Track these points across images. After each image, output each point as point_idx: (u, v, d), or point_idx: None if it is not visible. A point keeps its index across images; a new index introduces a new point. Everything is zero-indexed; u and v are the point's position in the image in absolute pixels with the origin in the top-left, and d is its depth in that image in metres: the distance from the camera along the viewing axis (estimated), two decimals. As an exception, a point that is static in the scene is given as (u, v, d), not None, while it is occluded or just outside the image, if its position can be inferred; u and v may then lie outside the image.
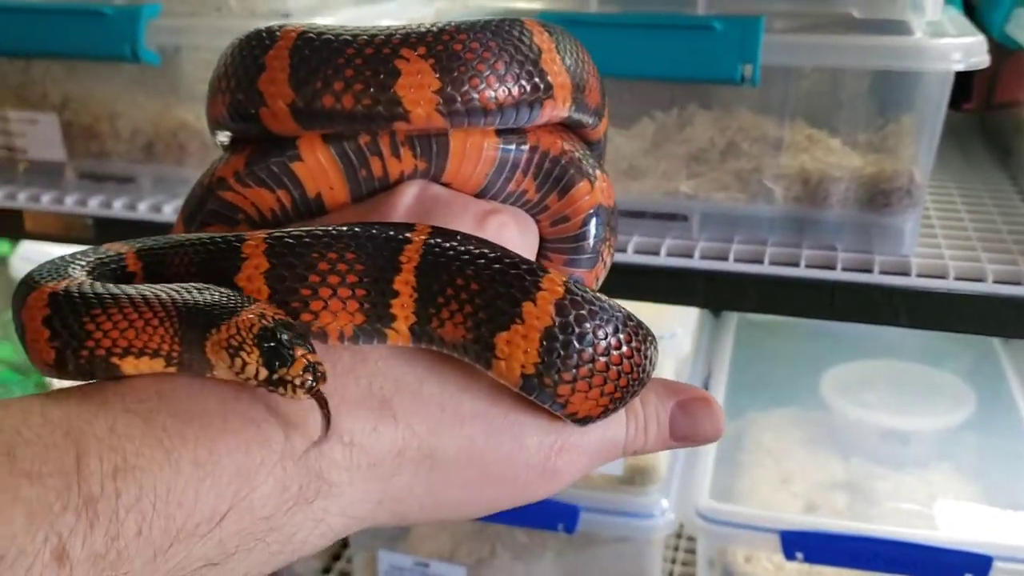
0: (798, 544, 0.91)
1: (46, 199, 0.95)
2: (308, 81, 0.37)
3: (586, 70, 0.42)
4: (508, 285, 0.34)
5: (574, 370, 0.35)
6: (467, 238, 0.36)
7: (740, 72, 0.71)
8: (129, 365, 0.33)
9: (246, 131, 0.40)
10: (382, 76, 0.36)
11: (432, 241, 0.35)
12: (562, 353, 0.34)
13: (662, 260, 0.78)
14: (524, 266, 0.35)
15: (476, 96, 0.37)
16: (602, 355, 0.35)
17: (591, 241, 0.43)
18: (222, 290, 0.34)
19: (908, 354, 1.24)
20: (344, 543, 1.19)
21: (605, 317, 0.35)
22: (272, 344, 0.32)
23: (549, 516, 0.97)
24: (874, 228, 0.78)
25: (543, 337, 0.34)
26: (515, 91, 0.38)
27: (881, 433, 1.14)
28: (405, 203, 0.40)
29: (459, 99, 0.37)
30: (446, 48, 0.37)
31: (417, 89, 0.37)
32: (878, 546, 0.89)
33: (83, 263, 0.37)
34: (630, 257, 0.78)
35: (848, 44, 0.73)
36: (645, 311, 0.88)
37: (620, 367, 0.36)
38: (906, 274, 0.74)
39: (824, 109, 0.78)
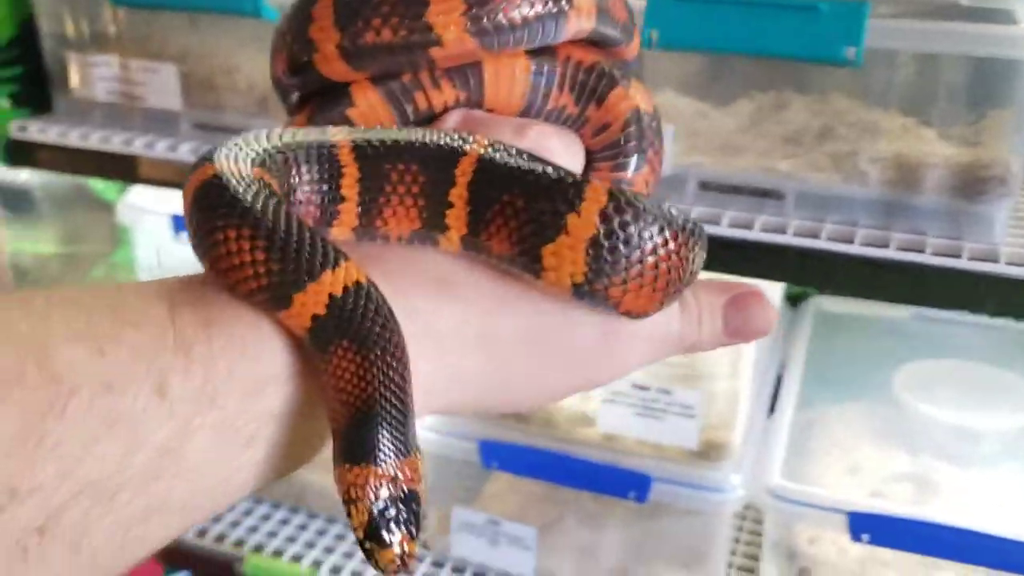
0: (865, 526, 0.92)
1: (161, 146, 0.99)
2: (351, 22, 0.40)
3: None
4: (552, 199, 0.36)
5: (624, 273, 0.36)
6: (520, 152, 0.38)
7: (843, 54, 0.72)
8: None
9: (304, 84, 0.44)
10: (414, 6, 0.40)
11: (486, 156, 0.37)
12: (609, 259, 0.36)
13: (755, 235, 0.80)
14: (569, 179, 0.36)
15: (501, 13, 0.40)
16: (649, 255, 0.36)
17: (634, 143, 0.44)
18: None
19: (981, 355, 1.23)
20: (416, 500, 1.22)
21: (649, 219, 0.36)
22: (377, 523, 0.33)
23: (621, 484, 1.00)
24: (965, 216, 0.79)
25: (589, 246, 0.36)
26: (538, 5, 0.40)
27: (950, 430, 1.14)
28: (448, 129, 0.42)
29: (485, 18, 0.40)
30: None
31: (446, 14, 0.39)
32: (946, 533, 0.90)
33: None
34: (724, 230, 0.80)
35: (951, 30, 0.74)
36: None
37: (669, 263, 0.37)
38: (995, 261, 0.75)
39: (920, 99, 0.80)
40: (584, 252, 0.36)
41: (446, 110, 0.43)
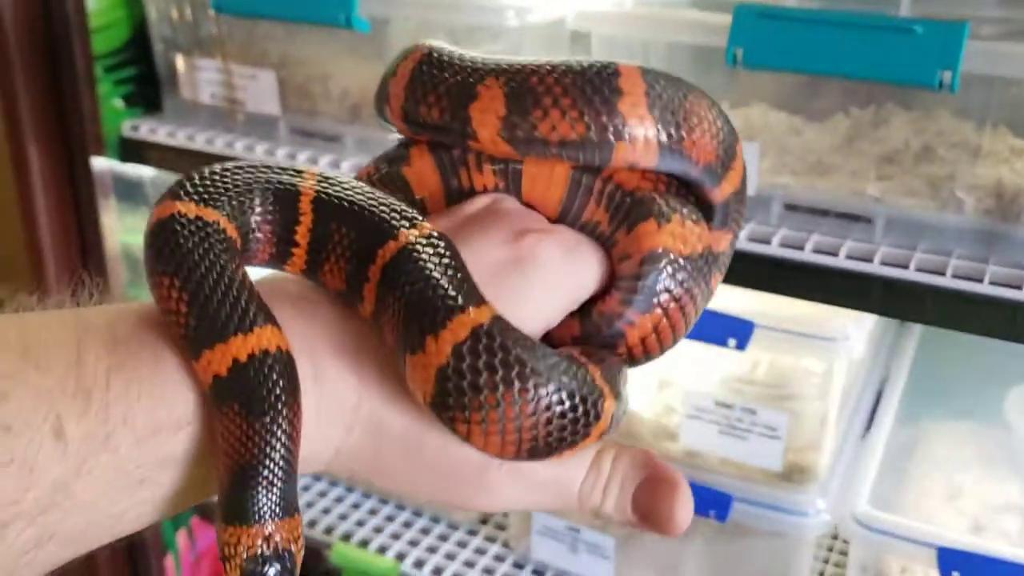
0: (955, 563, 0.88)
1: (260, 150, 1.02)
2: (414, 91, 0.42)
3: (696, 125, 0.41)
4: (423, 316, 0.35)
5: (466, 412, 0.35)
6: (445, 252, 0.37)
7: (938, 78, 0.69)
8: None
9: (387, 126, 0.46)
10: (462, 97, 0.40)
11: (407, 248, 0.37)
12: (453, 393, 0.35)
13: (840, 261, 0.77)
14: (449, 301, 0.35)
15: (537, 129, 0.39)
16: (494, 406, 0.35)
17: (647, 283, 0.41)
18: None
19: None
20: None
21: (509, 369, 0.35)
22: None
23: (701, 502, 0.98)
24: (1070, 249, 0.74)
25: (437, 375, 0.35)
26: (578, 129, 0.39)
27: (1066, 460, 1.09)
28: (469, 210, 0.43)
29: (520, 128, 0.40)
30: (523, 81, 0.39)
31: (485, 113, 0.40)
32: (1044, 579, 0.85)
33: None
34: (807, 256, 0.78)
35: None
36: (819, 310, 0.88)
37: (522, 417, 0.35)
38: (1100, 300, 0.71)
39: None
40: (434, 377, 0.35)
41: (484, 192, 0.43)
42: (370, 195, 0.39)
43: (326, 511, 1.24)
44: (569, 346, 0.41)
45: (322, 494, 1.28)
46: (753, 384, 0.98)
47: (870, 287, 0.76)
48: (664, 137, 0.40)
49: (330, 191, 0.39)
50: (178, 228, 0.36)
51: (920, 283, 0.74)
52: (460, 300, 0.35)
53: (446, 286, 0.36)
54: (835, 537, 1.16)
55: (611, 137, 0.39)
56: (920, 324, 1.22)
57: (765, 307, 0.94)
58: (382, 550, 1.18)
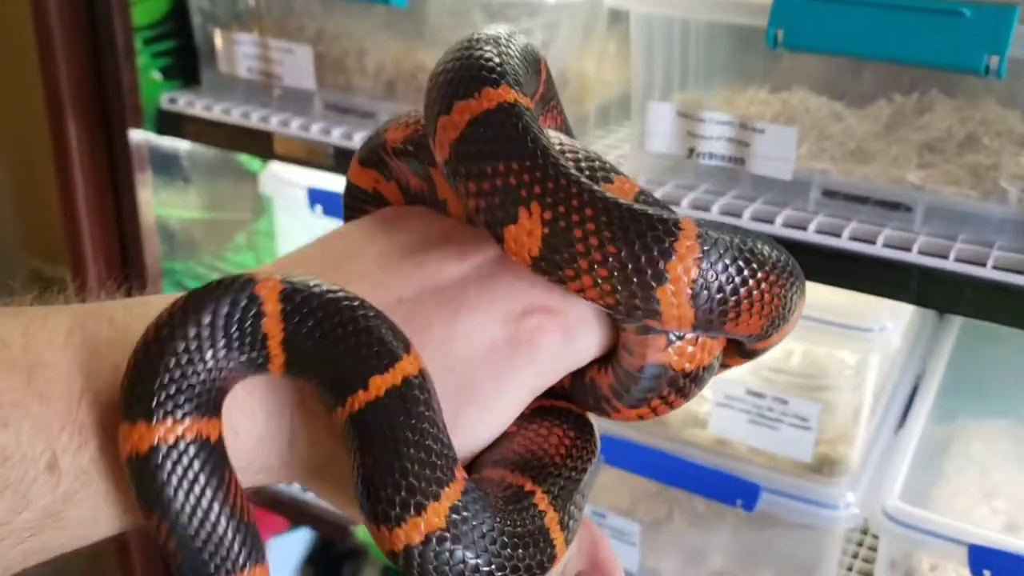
0: (987, 561, 0.87)
1: (295, 125, 1.02)
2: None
3: (741, 301, 0.36)
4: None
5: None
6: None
7: (985, 63, 0.67)
8: None
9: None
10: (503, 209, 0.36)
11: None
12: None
13: (878, 250, 0.75)
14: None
15: (567, 269, 0.35)
16: None
17: (640, 388, 0.39)
18: None
19: None
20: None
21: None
22: None
23: (729, 490, 0.97)
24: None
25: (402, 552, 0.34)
26: (606, 288, 0.35)
27: (1106, 461, 1.06)
28: (485, 255, 0.40)
29: (552, 265, 0.35)
30: (566, 211, 0.34)
31: (525, 234, 0.35)
32: (1078, 580, 0.84)
33: None
34: (844, 243, 0.76)
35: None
36: (854, 300, 0.86)
37: None
38: None
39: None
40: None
41: None
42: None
43: (353, 489, 1.25)
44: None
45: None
46: (785, 374, 0.97)
47: (908, 276, 0.74)
48: (702, 314, 0.35)
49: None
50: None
51: (959, 273, 0.73)
52: (414, 499, 0.34)
53: (400, 480, 0.34)
54: (864, 532, 1.14)
55: (640, 305, 0.35)
56: (959, 316, 1.20)
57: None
58: (407, 529, 1.18)
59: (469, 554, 0.34)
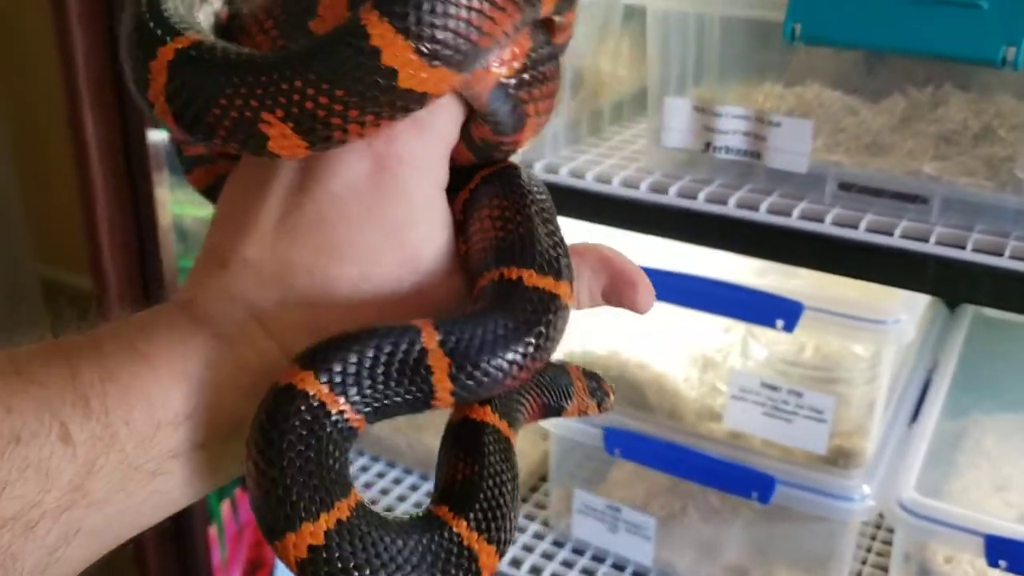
0: (1004, 552, 0.87)
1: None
2: None
3: None
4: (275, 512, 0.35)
5: None
6: None
7: (1002, 54, 0.68)
8: None
9: None
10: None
11: None
12: None
13: (895, 241, 0.76)
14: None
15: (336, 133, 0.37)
16: None
17: (504, 108, 0.41)
18: None
19: None
20: (543, 477, 1.24)
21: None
22: None
23: (744, 483, 0.98)
24: None
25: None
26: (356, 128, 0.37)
27: (1118, 454, 1.07)
28: None
29: (324, 143, 0.37)
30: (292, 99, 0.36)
31: (283, 139, 0.37)
32: (1094, 569, 0.84)
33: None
34: (861, 235, 0.77)
35: None
36: (867, 292, 0.87)
37: None
38: None
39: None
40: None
41: None
42: None
43: (368, 485, 1.25)
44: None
45: (364, 468, 1.29)
46: (799, 366, 0.98)
47: (925, 267, 0.75)
48: None
49: None
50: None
51: (977, 263, 0.73)
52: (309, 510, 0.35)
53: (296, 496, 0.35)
54: (878, 526, 1.15)
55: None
56: (970, 310, 1.21)
57: (811, 288, 0.93)
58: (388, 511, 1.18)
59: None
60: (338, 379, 0.36)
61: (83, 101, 1.06)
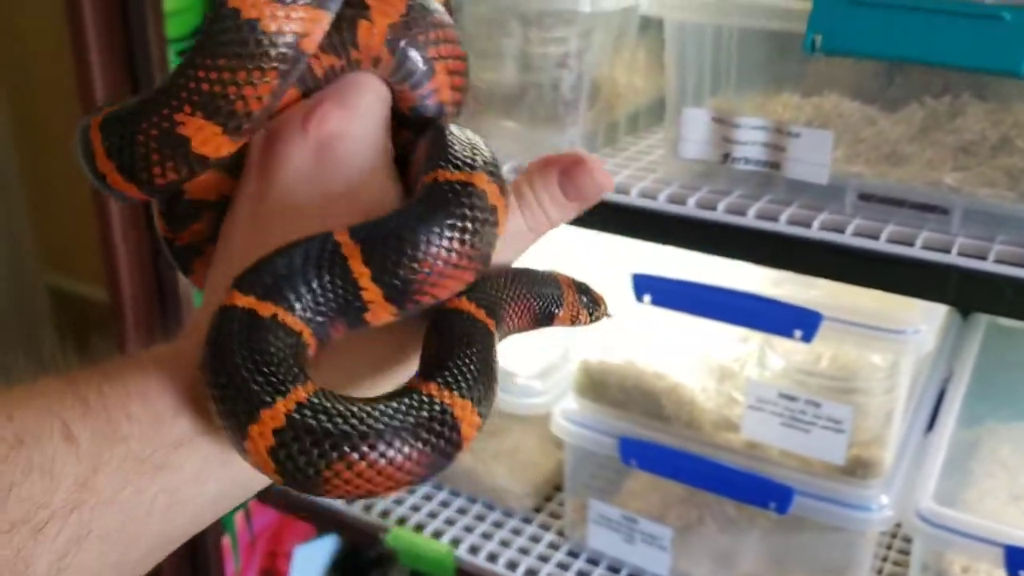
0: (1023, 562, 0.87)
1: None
2: None
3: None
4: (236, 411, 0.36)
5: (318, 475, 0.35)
6: None
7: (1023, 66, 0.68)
8: None
9: None
10: None
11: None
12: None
13: (916, 252, 0.76)
14: (256, 394, 0.36)
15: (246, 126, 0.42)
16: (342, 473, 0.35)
17: (408, 60, 0.45)
18: None
19: None
20: (557, 487, 1.24)
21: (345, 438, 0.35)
22: None
23: (761, 493, 0.98)
24: None
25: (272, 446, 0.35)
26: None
27: None
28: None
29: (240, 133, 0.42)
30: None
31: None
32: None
33: None
34: (882, 245, 0.77)
35: None
36: (883, 302, 0.87)
37: (380, 481, 0.36)
38: None
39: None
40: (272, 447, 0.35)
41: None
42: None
43: (381, 495, 1.25)
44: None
45: (377, 478, 1.28)
46: (816, 376, 0.98)
47: (947, 278, 0.75)
48: None
49: None
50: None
51: (999, 274, 0.73)
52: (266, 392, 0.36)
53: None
54: (894, 535, 1.14)
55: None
56: (984, 319, 1.21)
57: (827, 298, 0.93)
58: (437, 535, 1.18)
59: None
60: (266, 288, 0.38)
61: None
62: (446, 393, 0.37)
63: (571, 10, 0.87)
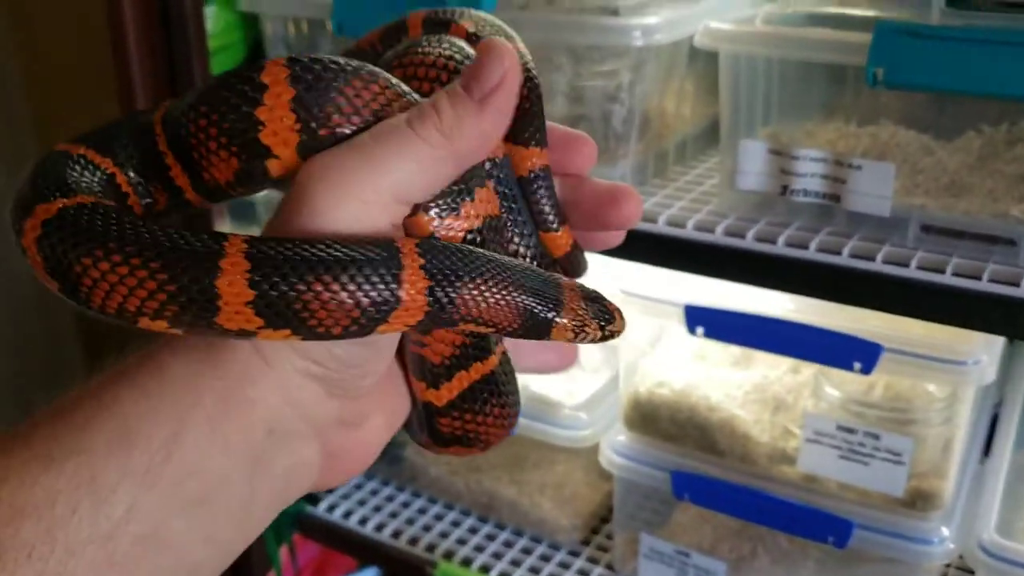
0: (1094, 596, 0.86)
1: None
2: None
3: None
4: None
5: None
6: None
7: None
8: None
9: None
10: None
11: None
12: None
13: (983, 285, 0.75)
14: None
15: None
16: None
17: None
18: None
19: None
20: (604, 519, 1.22)
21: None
22: None
23: (820, 527, 0.96)
24: None
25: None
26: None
27: None
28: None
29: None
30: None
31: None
32: None
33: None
34: (948, 279, 0.76)
35: None
36: (937, 331, 0.85)
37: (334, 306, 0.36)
38: None
39: None
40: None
41: None
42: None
43: (427, 528, 1.24)
44: None
45: (422, 511, 1.28)
46: (873, 407, 0.96)
47: (1017, 313, 0.74)
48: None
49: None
50: None
51: (1070, 308, 0.72)
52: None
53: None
54: (948, 565, 1.13)
55: None
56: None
57: (882, 328, 0.92)
58: (485, 569, 1.17)
59: None
60: (84, 138, 0.41)
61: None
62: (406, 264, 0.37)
63: (623, 44, 0.87)
